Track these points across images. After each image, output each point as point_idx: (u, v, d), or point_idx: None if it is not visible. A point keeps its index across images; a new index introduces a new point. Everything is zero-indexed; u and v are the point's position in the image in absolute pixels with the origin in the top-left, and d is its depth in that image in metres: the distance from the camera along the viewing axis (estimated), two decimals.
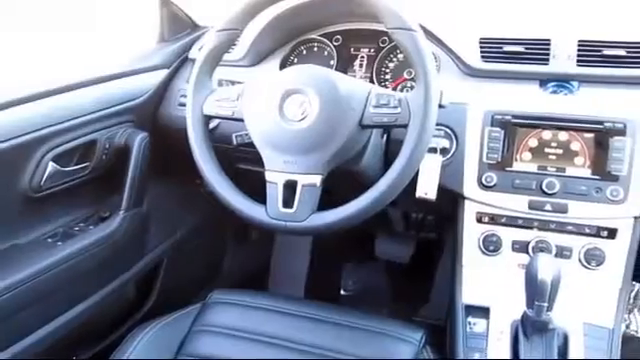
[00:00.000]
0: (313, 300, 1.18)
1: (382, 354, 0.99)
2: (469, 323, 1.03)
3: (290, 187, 0.91)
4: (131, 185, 1.25)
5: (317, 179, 0.90)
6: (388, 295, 1.90)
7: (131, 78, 1.29)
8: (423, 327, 1.06)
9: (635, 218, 0.99)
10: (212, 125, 1.22)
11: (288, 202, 0.91)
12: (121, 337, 1.08)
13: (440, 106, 0.92)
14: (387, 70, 1.25)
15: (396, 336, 1.03)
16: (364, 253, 1.92)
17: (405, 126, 0.88)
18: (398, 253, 1.83)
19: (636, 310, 1.75)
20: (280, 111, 0.92)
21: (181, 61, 1.41)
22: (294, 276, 1.84)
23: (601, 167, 1.00)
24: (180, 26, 1.47)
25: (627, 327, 1.73)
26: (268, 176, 0.93)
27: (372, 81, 1.24)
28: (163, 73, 1.36)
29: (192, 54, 1.41)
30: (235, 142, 1.12)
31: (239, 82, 1.06)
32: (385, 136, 1.10)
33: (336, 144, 0.90)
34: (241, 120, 0.97)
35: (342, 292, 1.95)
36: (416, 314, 1.76)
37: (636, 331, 1.73)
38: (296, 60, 1.32)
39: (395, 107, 0.89)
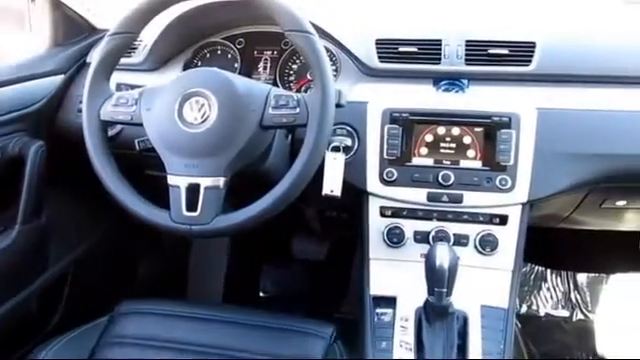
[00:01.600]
0: (231, 304, 1.18)
1: (293, 351, 1.01)
2: (377, 314, 1.07)
3: (193, 190, 0.91)
4: (27, 197, 1.19)
5: (220, 181, 0.91)
6: (308, 294, 1.92)
7: (22, 85, 1.22)
8: (334, 322, 1.09)
9: (523, 204, 1.07)
10: (115, 131, 1.19)
11: (192, 205, 0.90)
12: (23, 356, 1.03)
13: (338, 105, 0.96)
14: (291, 72, 1.27)
15: (307, 332, 1.05)
16: (281, 254, 1.94)
17: (304, 126, 0.90)
18: (315, 252, 1.86)
19: (536, 291, 1.88)
20: (179, 115, 0.91)
21: (79, 66, 1.35)
22: (212, 280, 1.82)
23: (491, 158, 1.06)
24: (76, 29, 1.41)
25: (529, 307, 1.87)
26: (170, 180, 0.92)
27: (276, 83, 1.25)
28: (59, 79, 1.31)
29: (90, 58, 1.36)
30: (138, 148, 1.09)
31: (139, 87, 1.04)
32: (290, 136, 1.12)
33: (237, 146, 0.90)
34: (140, 125, 0.96)
35: (261, 294, 1.95)
36: (337, 310, 1.80)
37: (537, 310, 1.86)
38: (200, 64, 1.31)
39: (294, 107, 0.91)
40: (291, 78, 1.26)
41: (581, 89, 1.10)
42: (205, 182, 0.90)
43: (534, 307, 1.85)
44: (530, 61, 1.11)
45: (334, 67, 1.21)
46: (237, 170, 0.94)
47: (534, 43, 1.12)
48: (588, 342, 1.75)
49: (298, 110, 0.90)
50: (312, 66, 0.91)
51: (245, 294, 1.91)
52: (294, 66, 1.27)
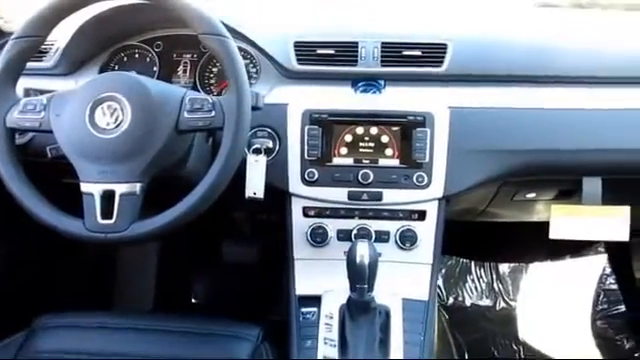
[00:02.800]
0: (159, 312, 1.16)
1: (219, 354, 1.01)
2: (302, 313, 1.08)
3: (108, 197, 0.89)
4: None
5: (136, 187, 0.89)
6: (240, 297, 1.91)
7: None
8: (265, 324, 1.09)
9: (439, 200, 1.11)
10: (26, 139, 1.14)
11: (107, 213, 0.88)
12: None
13: (256, 108, 0.96)
14: (211, 75, 1.26)
15: (234, 336, 1.05)
16: (213, 258, 1.92)
17: (221, 129, 0.90)
18: (246, 255, 1.85)
19: (462, 283, 1.96)
20: (91, 120, 0.90)
21: None
22: (141, 288, 1.78)
23: (408, 156, 1.10)
24: None
25: (455, 299, 1.94)
26: (83, 187, 0.90)
27: (196, 87, 1.24)
28: None
29: None
30: (50, 155, 1.06)
31: (51, 92, 1.00)
32: (211, 140, 1.11)
33: (153, 150, 0.89)
34: (50, 132, 0.93)
35: (193, 300, 1.93)
36: (269, 312, 1.80)
37: (463, 301, 1.94)
38: (117, 67, 1.28)
39: (209, 111, 0.91)
40: (211, 81, 1.26)
41: (492, 88, 1.15)
42: (120, 188, 0.88)
43: (460, 298, 1.92)
44: (442, 62, 1.15)
45: (254, 70, 1.21)
46: (154, 175, 0.92)
47: (445, 45, 1.17)
48: (511, 329, 1.85)
49: (214, 113, 0.90)
50: (226, 69, 0.91)
51: (176, 301, 1.87)
52: (214, 69, 1.26)
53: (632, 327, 1.81)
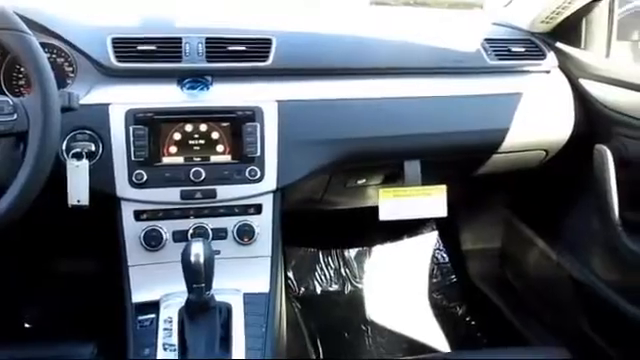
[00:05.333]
0: None
1: None
2: (139, 321, 1.04)
3: None
4: None
5: None
6: (78, 315, 1.77)
7: None
8: (97, 340, 1.03)
9: (273, 192, 1.13)
10: None
11: None
12: None
13: (68, 109, 0.90)
14: (20, 76, 1.14)
15: (65, 357, 0.97)
16: (45, 277, 1.75)
17: (25, 132, 0.82)
18: (80, 268, 1.72)
19: (311, 272, 2.02)
20: None
21: None
22: None
23: (239, 151, 1.10)
24: None
25: (306, 288, 1.99)
26: None
27: (1, 89, 1.12)
28: None
29: None
30: None
31: None
32: (22, 146, 1.01)
33: None
34: None
35: (26, 325, 1.74)
36: (109, 326, 1.69)
37: (314, 290, 1.99)
38: None
39: (10, 114, 0.82)
40: (21, 82, 1.14)
41: (316, 81, 1.20)
42: None
43: (311, 287, 1.98)
44: (267, 57, 1.17)
45: (70, 69, 1.12)
46: None
47: (270, 40, 1.19)
48: (359, 310, 1.94)
49: (16, 116, 0.82)
50: (27, 67, 0.84)
51: (5, 328, 1.68)
52: (23, 69, 1.14)
53: (463, 295, 2.00)
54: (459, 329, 1.91)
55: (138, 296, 1.07)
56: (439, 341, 1.83)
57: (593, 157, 1.24)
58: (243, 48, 1.17)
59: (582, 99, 1.33)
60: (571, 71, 1.37)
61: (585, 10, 1.38)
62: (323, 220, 1.90)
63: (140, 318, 1.04)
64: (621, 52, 1.54)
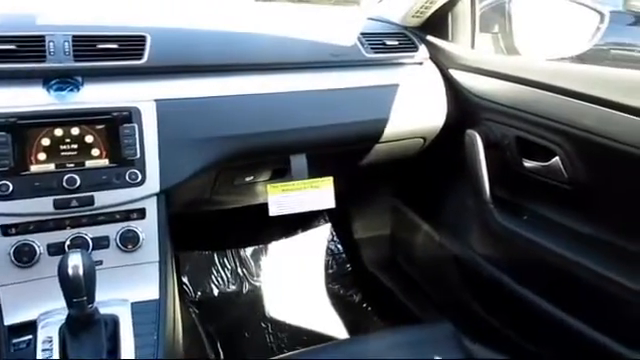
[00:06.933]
0: None
1: None
2: (14, 345, 0.95)
3: None
4: None
5: None
6: None
7: None
8: None
9: (157, 195, 1.09)
10: None
11: None
12: None
13: None
14: None
15: None
16: None
17: None
18: None
19: (208, 275, 1.98)
20: None
21: None
22: None
23: (117, 154, 1.05)
24: None
25: (203, 292, 1.95)
26: None
27: None
28: None
29: None
30: None
31: None
32: None
33: None
34: None
35: None
36: None
37: (211, 292, 1.95)
38: None
39: None
40: None
41: (196, 79, 1.17)
42: None
43: (208, 290, 1.94)
44: (142, 54, 1.12)
45: None
46: None
47: (144, 37, 1.14)
48: (259, 308, 1.93)
49: None
50: None
51: None
52: None
53: (358, 282, 2.06)
54: (357, 315, 1.97)
55: (11, 318, 0.98)
56: (338, 329, 1.88)
57: (464, 141, 1.33)
58: (115, 46, 1.11)
59: (452, 88, 1.42)
60: (441, 62, 1.45)
61: (450, 5, 1.48)
62: (215, 221, 1.87)
63: (15, 341, 0.95)
64: (484, 43, 1.67)
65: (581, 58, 1.71)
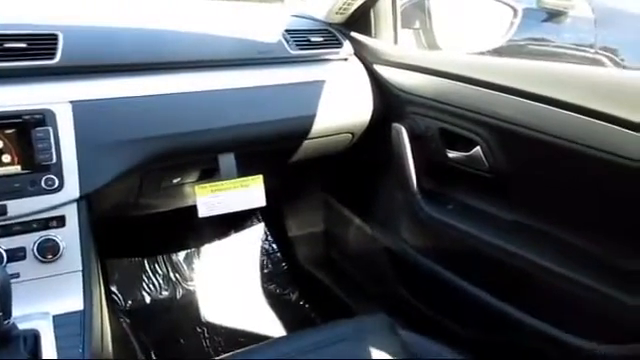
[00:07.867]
0: None
1: None
2: None
3: None
4: None
5: None
6: None
7: None
8: None
9: (77, 200, 1.03)
10: None
11: None
12: None
13: None
14: None
15: None
16: None
17: None
18: None
19: (139, 283, 1.91)
20: None
21: None
22: None
23: (30, 160, 0.99)
24: None
25: (134, 300, 1.88)
26: None
27: None
28: None
29: None
30: None
31: None
32: None
33: None
34: None
35: None
36: None
37: (143, 300, 1.89)
38: None
39: None
40: None
41: (114, 79, 1.12)
42: None
43: (139, 298, 1.87)
44: (54, 54, 1.06)
45: None
46: None
47: (56, 35, 1.08)
48: (194, 313, 1.89)
49: None
50: None
51: None
52: None
53: (294, 280, 2.06)
54: (294, 314, 1.96)
55: None
56: (276, 329, 1.87)
57: (391, 135, 1.35)
58: (23, 45, 1.04)
59: (377, 83, 1.44)
60: (366, 58, 1.47)
61: (372, 1, 1.50)
62: (144, 226, 1.81)
63: None
64: (407, 39, 1.71)
65: (500, 52, 1.79)
